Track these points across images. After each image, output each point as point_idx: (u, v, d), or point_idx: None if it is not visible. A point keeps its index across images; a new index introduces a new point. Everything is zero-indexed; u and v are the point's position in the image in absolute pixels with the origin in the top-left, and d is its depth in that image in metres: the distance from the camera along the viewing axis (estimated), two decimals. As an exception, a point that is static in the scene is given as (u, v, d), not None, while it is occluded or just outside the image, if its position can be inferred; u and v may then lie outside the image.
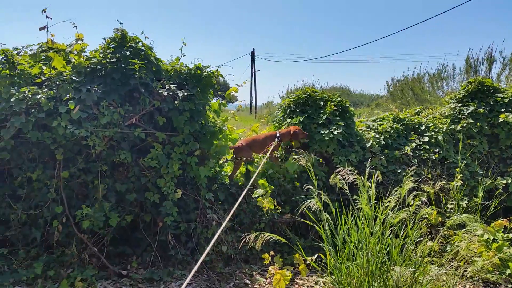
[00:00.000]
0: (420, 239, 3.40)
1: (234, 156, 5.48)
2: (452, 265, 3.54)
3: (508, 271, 4.56)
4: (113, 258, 4.59)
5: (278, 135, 5.68)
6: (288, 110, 6.33)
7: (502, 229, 5.08)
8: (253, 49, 40.68)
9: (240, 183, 5.45)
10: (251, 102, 40.07)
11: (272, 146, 5.55)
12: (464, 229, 3.61)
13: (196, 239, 4.76)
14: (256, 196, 5.12)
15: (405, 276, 3.10)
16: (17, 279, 4.06)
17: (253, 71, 40.59)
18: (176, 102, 4.48)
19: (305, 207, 3.45)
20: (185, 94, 4.52)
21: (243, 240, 5.08)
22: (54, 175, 4.34)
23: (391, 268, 3.02)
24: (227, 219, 3.41)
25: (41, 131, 4.16)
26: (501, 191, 5.68)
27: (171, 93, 4.46)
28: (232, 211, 3.24)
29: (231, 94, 5.60)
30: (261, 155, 5.76)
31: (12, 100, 3.98)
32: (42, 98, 4.00)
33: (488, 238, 4.87)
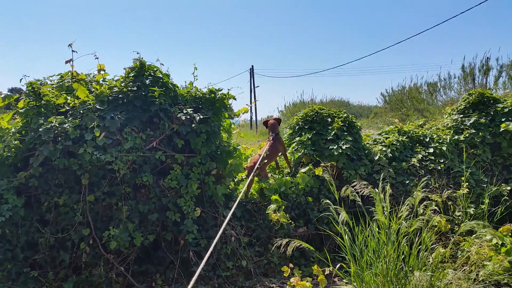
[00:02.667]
0: (433, 246, 3.59)
1: (248, 174, 5.70)
2: (464, 270, 3.72)
3: (519, 274, 4.73)
4: (137, 276, 4.77)
5: (270, 134, 6.00)
6: (297, 127, 6.58)
7: (510, 234, 5.27)
8: (252, 66, 41.19)
9: (255, 199, 5.65)
10: (251, 117, 40.42)
11: (268, 142, 5.84)
12: (473, 235, 3.80)
13: (216, 255, 4.95)
14: (268, 212, 5.33)
15: (422, 281, 3.28)
16: (48, 300, 4.24)
17: (252, 87, 41.05)
18: (193, 125, 4.73)
19: (330, 218, 3.65)
20: (201, 117, 4.77)
21: (261, 254, 5.27)
22: (80, 199, 4.55)
23: (410, 273, 3.21)
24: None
25: (67, 158, 4.39)
26: (507, 197, 5.89)
27: (188, 117, 4.72)
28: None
29: (241, 114, 5.86)
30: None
31: (40, 129, 4.23)
32: (69, 127, 4.25)
33: (497, 243, 5.05)
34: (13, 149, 4.31)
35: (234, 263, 5.00)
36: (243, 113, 6.01)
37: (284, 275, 4.69)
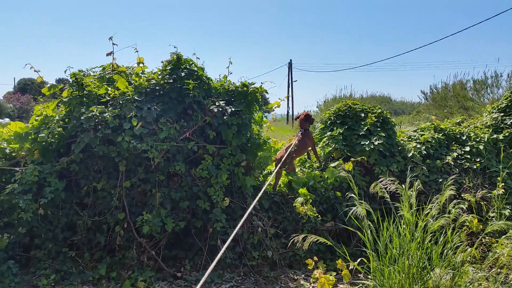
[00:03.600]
0: (460, 244, 3.54)
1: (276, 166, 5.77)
2: (492, 271, 3.64)
3: (554, 280, 4.55)
4: (167, 261, 4.99)
5: (300, 129, 5.96)
6: (329, 122, 6.58)
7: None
8: (290, 60, 41.09)
9: (283, 191, 5.74)
10: (287, 112, 40.37)
11: (297, 137, 5.80)
12: (504, 236, 3.70)
13: (243, 244, 5.09)
14: (295, 204, 5.39)
15: (444, 280, 3.25)
16: (84, 279, 4.54)
17: (290, 82, 40.93)
18: (225, 117, 4.87)
19: (351, 214, 3.68)
20: (233, 109, 4.90)
21: (287, 246, 5.36)
22: (117, 184, 4.82)
23: (431, 271, 3.19)
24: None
25: (106, 145, 4.66)
26: (546, 200, 5.64)
27: (220, 109, 4.86)
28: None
29: (273, 107, 5.94)
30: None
31: (82, 118, 4.52)
32: (109, 116, 4.50)
33: (532, 247, 4.87)
34: (56, 136, 4.63)
35: (260, 253, 5.12)
36: (276, 107, 6.09)
37: (309, 268, 4.76)
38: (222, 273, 4.86)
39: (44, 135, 4.55)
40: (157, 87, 4.84)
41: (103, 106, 4.64)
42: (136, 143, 4.51)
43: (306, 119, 6.04)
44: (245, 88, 5.15)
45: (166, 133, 4.68)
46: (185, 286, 4.57)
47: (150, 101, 4.80)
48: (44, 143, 4.61)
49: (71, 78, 4.85)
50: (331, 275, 4.47)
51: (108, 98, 4.84)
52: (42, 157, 4.73)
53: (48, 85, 4.95)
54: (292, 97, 40.82)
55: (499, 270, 3.89)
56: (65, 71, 4.89)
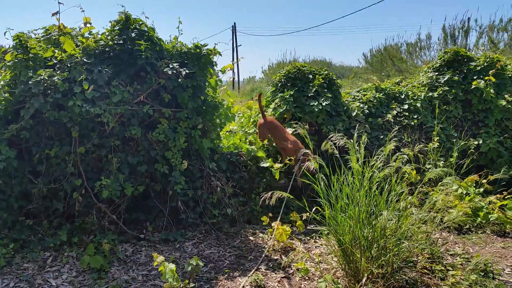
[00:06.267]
0: (402, 191, 3.95)
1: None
2: (430, 215, 4.13)
3: (479, 219, 5.23)
4: (129, 224, 5.05)
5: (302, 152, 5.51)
6: (279, 84, 6.77)
7: (474, 184, 5.74)
8: (234, 23, 40.33)
9: (239, 153, 5.93)
10: (233, 78, 40.12)
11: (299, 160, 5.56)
12: (440, 183, 4.17)
13: (203, 204, 5.26)
14: (268, 165, 5.60)
15: (390, 224, 3.66)
16: (44, 246, 4.50)
17: (235, 46, 40.43)
18: (179, 80, 4.88)
19: (304, 168, 3.95)
20: (188, 72, 4.91)
21: (245, 204, 5.62)
22: (71, 151, 4.71)
23: (379, 215, 3.57)
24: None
25: (57, 111, 4.52)
26: (473, 150, 6.34)
27: (175, 71, 4.85)
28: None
29: (226, 70, 6.00)
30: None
31: (30, 82, 4.32)
32: (58, 80, 4.34)
33: (461, 192, 5.52)
34: (3, 102, 4.41)
35: (220, 211, 5.33)
36: (229, 70, 6.15)
37: (264, 224, 5.09)
38: (185, 232, 5.03)
39: (-12, 102, 4.31)
40: (106, 49, 4.70)
41: (51, 70, 4.45)
42: (89, 107, 4.42)
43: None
44: (198, 50, 5.15)
45: (120, 96, 4.61)
46: (149, 246, 4.69)
47: (100, 63, 4.67)
48: (-11, 111, 4.38)
49: (14, 40, 4.56)
50: (287, 226, 4.81)
51: (55, 61, 4.64)
52: (-12, 125, 4.50)
53: (-12, 48, 4.63)
54: (238, 63, 40.52)
55: (435, 214, 4.39)
56: (4, 33, 4.58)
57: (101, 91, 4.57)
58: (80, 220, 4.79)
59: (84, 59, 4.62)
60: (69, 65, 4.59)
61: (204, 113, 5.27)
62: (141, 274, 4.06)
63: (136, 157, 5.00)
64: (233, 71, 39.51)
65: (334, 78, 6.78)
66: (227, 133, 6.67)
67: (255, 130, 6.61)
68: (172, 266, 3.53)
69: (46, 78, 4.34)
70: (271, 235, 5.04)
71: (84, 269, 4.08)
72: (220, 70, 5.80)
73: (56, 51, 4.66)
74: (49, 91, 4.39)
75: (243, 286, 3.74)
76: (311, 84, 6.53)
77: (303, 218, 4.93)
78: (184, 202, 5.18)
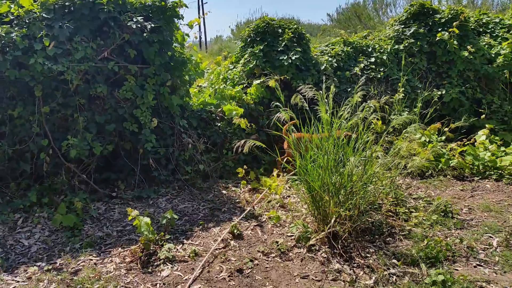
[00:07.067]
0: (368, 139, 4.08)
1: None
2: (394, 162, 4.32)
3: (440, 165, 5.51)
4: (100, 184, 5.03)
5: None
6: (249, 39, 6.68)
7: (437, 132, 6.00)
8: (199, -21, 38.65)
9: (210, 108, 5.91)
10: (200, 37, 39.01)
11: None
12: (404, 131, 4.34)
13: (175, 161, 5.28)
14: (231, 117, 5.63)
15: (356, 170, 3.80)
16: (14, 208, 4.43)
17: (200, 4, 39.03)
18: (145, 34, 4.73)
19: (275, 119, 4.00)
20: (153, 26, 4.76)
21: (218, 159, 5.67)
22: (35, 111, 4.57)
23: (347, 162, 3.70)
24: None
25: (18, 69, 4.32)
26: (437, 100, 6.57)
27: (139, 25, 4.69)
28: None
29: (193, 24, 5.85)
30: None
31: (-16, 39, 4.08)
32: (17, 37, 4.13)
33: (424, 140, 5.77)
34: (-43, 61, 4.17)
35: (192, 167, 5.37)
36: (196, 24, 5.99)
37: (239, 175, 5.17)
38: (158, 189, 5.07)
39: None
40: (66, 3, 4.46)
41: (8, 26, 4.21)
42: (51, 65, 4.24)
43: None
44: (163, 3, 4.97)
45: (83, 52, 4.45)
46: (122, 203, 4.71)
47: (61, 18, 4.45)
48: None
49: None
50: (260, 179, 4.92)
51: (12, 17, 4.38)
52: None
53: None
54: (204, 21, 39.31)
55: (400, 160, 4.59)
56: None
57: (63, 48, 4.38)
58: (49, 180, 4.72)
59: (43, 15, 4.38)
60: (27, 21, 4.35)
61: (172, 69, 5.17)
62: (116, 230, 4.10)
63: (104, 116, 4.90)
64: (199, 30, 38.39)
65: (303, 32, 6.76)
66: (196, 89, 6.60)
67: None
68: (147, 219, 3.58)
69: (4, 35, 4.11)
70: (244, 188, 5.15)
71: (57, 228, 4.08)
72: (187, 24, 5.65)
73: (12, 6, 4.39)
74: (7, 49, 4.18)
75: (218, 235, 3.85)
76: (280, 39, 6.48)
77: (276, 172, 5.07)
78: (156, 160, 5.17)
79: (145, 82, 4.96)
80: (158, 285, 3.06)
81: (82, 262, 3.42)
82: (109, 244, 3.78)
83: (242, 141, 3.63)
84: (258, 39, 6.57)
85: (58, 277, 3.14)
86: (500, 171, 5.35)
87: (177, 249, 3.60)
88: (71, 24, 4.42)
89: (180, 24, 5.49)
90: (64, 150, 4.62)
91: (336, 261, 3.32)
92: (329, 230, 3.43)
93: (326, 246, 3.51)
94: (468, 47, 6.92)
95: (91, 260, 3.46)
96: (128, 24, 4.66)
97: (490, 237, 3.75)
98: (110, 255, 3.54)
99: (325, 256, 3.39)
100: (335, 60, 6.68)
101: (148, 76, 4.97)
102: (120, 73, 4.88)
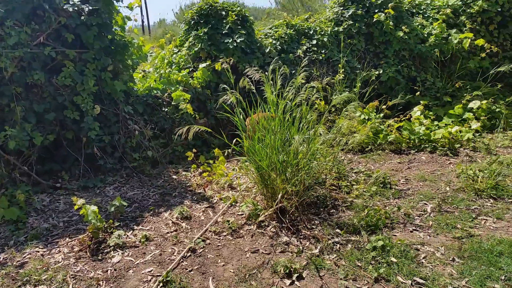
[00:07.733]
0: (311, 118, 4.26)
1: None
2: (336, 139, 4.55)
3: (379, 140, 5.86)
4: (42, 175, 4.85)
5: None
6: (192, 22, 6.62)
7: (375, 110, 6.34)
8: (139, -39, 37.11)
9: (153, 94, 5.83)
10: (142, 21, 37.66)
11: None
12: (344, 109, 4.56)
13: (121, 149, 5.19)
14: (177, 103, 5.59)
15: (301, 148, 3.97)
16: (-52, 205, 4.18)
17: (142, -13, 37.56)
18: (82, 17, 4.56)
19: (222, 101, 4.05)
20: (91, 8, 4.60)
21: (166, 145, 5.64)
22: (-36, 101, 4.30)
23: (292, 140, 3.85)
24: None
25: None
26: (374, 79, 6.92)
27: (76, 8, 4.51)
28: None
29: (134, 6, 5.70)
30: None
31: None
32: None
33: (364, 118, 6.08)
34: None
35: (140, 154, 5.31)
36: (136, 6, 5.83)
37: (188, 159, 5.19)
38: (104, 177, 4.97)
39: None
40: (-6, -15, 4.20)
41: None
42: (-19, 52, 4.00)
43: None
44: (100, -15, 4.80)
45: (16, 38, 4.22)
46: (67, 194, 4.58)
47: (-12, 1, 4.18)
48: None
49: None
50: (210, 163, 4.98)
51: None
52: None
53: None
54: (146, 5, 37.92)
55: (341, 137, 4.83)
56: None
57: (-8, 33, 4.13)
58: (-13, 174, 4.48)
59: (-34, -4, 4.09)
60: None
61: (113, 54, 5.04)
62: (62, 221, 4.00)
63: (43, 105, 4.70)
64: (142, 14, 37.02)
65: (247, 15, 6.79)
66: (140, 74, 6.47)
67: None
68: (94, 207, 3.53)
69: None
70: (195, 172, 5.19)
71: (-1, 223, 3.92)
72: (127, 7, 5.50)
73: None
74: None
75: (169, 219, 3.89)
76: (224, 21, 6.48)
77: (225, 154, 5.14)
78: (101, 148, 5.06)
79: (85, 67, 4.80)
80: (109, 271, 3.06)
81: (28, 254, 3.33)
82: (56, 235, 3.69)
83: (185, 128, 3.65)
84: (202, 21, 6.53)
85: (3, 271, 3.05)
86: (434, 144, 5.78)
87: (128, 235, 3.59)
88: (1, 8, 4.16)
89: (120, 6, 5.32)
90: (2, 141, 4.40)
91: (284, 235, 3.48)
92: (277, 206, 3.58)
93: (275, 222, 3.67)
94: (403, 27, 7.31)
95: (38, 252, 3.37)
96: (64, 7, 4.47)
97: (425, 204, 4.08)
98: (57, 246, 3.47)
99: (274, 230, 3.55)
100: (279, 42, 6.81)
101: (88, 61, 4.81)
102: (58, 59, 4.69)
